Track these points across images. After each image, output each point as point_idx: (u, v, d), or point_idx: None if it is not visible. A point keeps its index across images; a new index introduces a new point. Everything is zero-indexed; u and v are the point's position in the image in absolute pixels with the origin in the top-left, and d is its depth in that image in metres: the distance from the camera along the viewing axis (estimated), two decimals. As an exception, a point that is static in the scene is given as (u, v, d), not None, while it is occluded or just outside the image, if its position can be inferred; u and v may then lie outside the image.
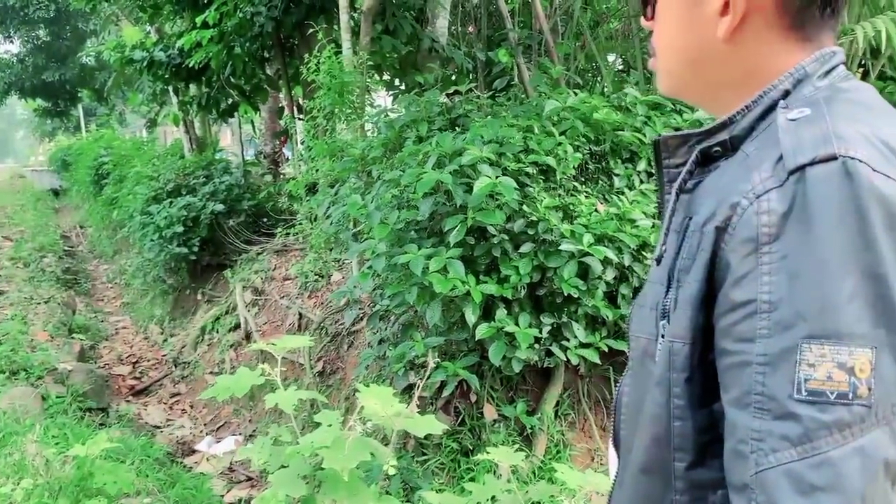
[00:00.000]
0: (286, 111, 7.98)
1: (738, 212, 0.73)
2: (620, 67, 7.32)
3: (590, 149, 3.50)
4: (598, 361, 3.35)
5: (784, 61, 0.83)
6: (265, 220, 7.77)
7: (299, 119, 7.38)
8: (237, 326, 6.36)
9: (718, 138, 0.85)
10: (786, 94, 0.82)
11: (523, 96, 5.73)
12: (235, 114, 9.19)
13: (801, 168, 0.70)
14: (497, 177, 3.11)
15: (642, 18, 0.96)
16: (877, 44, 4.01)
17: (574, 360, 3.30)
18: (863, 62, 5.17)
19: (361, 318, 4.83)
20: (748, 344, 0.71)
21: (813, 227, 0.69)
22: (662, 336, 0.83)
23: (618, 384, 0.99)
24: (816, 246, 0.68)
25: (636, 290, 3.35)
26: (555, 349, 3.31)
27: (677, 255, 0.83)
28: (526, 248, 3.23)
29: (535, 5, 6.06)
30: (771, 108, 0.82)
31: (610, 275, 3.22)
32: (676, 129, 3.65)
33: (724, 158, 0.84)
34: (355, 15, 5.94)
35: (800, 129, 0.75)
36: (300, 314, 5.69)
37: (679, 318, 0.80)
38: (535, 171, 3.33)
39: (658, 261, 0.87)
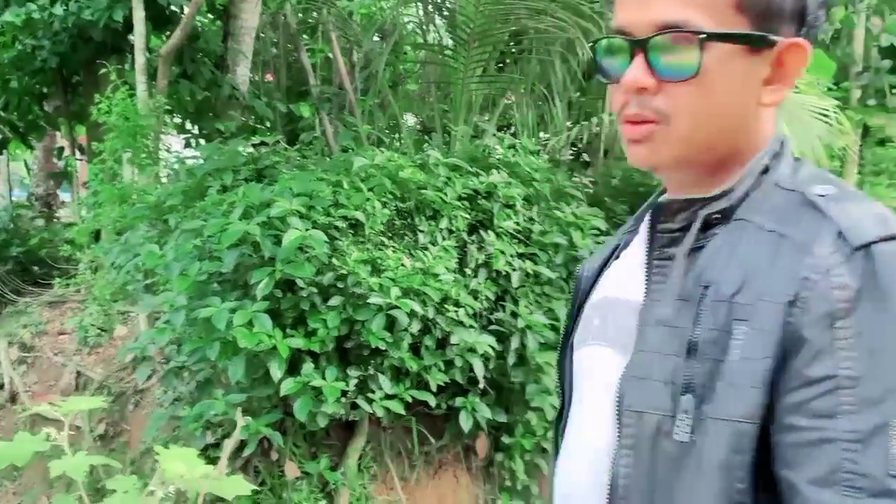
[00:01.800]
0: (66, 151, 7.39)
1: (809, 286, 0.73)
2: (419, 128, 7.63)
3: (396, 206, 3.61)
4: (403, 412, 3.41)
5: (769, 131, 0.89)
6: (37, 268, 7.07)
7: (80, 160, 6.87)
8: (0, 387, 5.67)
9: (719, 206, 0.85)
10: (766, 168, 0.86)
11: (326, 149, 5.79)
12: (4, 151, 8.34)
13: (867, 246, 0.73)
14: (307, 230, 3.12)
15: (639, 79, 0.84)
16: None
17: (380, 413, 3.34)
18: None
19: (150, 376, 4.53)
20: (828, 420, 0.71)
21: (888, 303, 0.71)
22: (686, 412, 0.78)
23: (614, 464, 0.86)
24: (894, 322, 0.71)
25: (439, 342, 3.47)
26: (360, 402, 3.33)
27: (695, 325, 0.79)
28: (335, 301, 3.24)
29: (337, 61, 6.20)
30: (758, 179, 0.85)
31: (415, 327, 3.32)
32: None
33: (718, 226, 0.85)
34: (151, 57, 5.71)
35: (844, 207, 0.78)
36: (78, 372, 5.20)
37: (743, 397, 0.75)
38: (344, 226, 3.38)
39: (659, 327, 0.83)
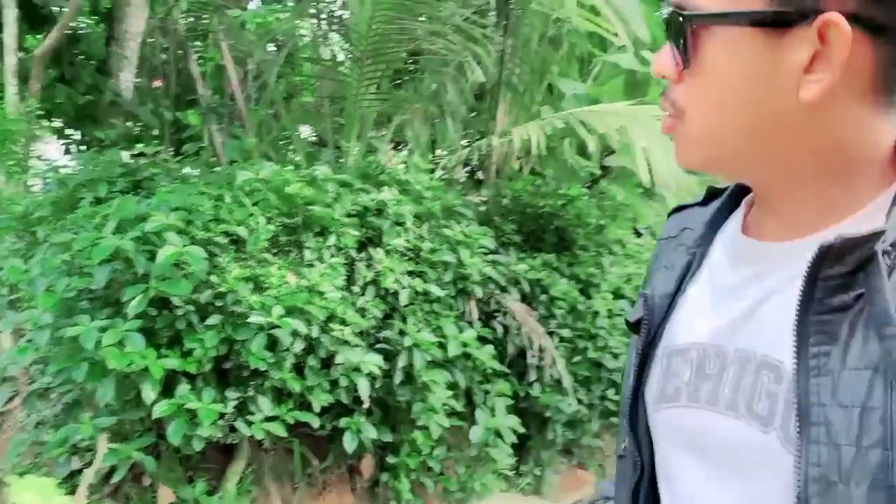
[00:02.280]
0: (-74, 154, 6.86)
1: None
2: (314, 139, 7.53)
3: (282, 221, 3.53)
4: (285, 434, 3.32)
5: (870, 132, 0.69)
6: None
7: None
8: None
9: (892, 238, 0.64)
10: None
11: (213, 160, 5.62)
12: None
13: None
14: (185, 245, 3.01)
15: (661, 65, 0.73)
16: (528, 145, 4.71)
17: (259, 435, 3.24)
18: (519, 157, 5.95)
19: (12, 398, 4.23)
20: None
21: None
22: None
23: None
24: None
25: (324, 361, 3.40)
26: (239, 424, 3.22)
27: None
28: (213, 319, 3.13)
29: (228, 70, 6.03)
30: None
31: (298, 346, 3.25)
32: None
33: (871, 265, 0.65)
34: (25, 58, 5.39)
35: None
36: (-68, 393, 4.80)
37: None
38: (225, 241, 3.27)
39: (842, 408, 0.62)
